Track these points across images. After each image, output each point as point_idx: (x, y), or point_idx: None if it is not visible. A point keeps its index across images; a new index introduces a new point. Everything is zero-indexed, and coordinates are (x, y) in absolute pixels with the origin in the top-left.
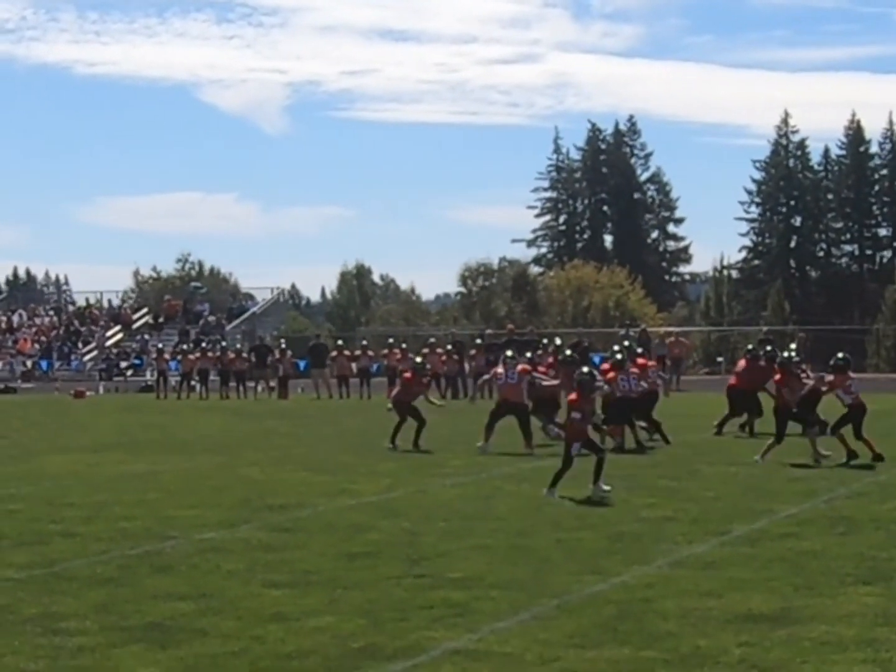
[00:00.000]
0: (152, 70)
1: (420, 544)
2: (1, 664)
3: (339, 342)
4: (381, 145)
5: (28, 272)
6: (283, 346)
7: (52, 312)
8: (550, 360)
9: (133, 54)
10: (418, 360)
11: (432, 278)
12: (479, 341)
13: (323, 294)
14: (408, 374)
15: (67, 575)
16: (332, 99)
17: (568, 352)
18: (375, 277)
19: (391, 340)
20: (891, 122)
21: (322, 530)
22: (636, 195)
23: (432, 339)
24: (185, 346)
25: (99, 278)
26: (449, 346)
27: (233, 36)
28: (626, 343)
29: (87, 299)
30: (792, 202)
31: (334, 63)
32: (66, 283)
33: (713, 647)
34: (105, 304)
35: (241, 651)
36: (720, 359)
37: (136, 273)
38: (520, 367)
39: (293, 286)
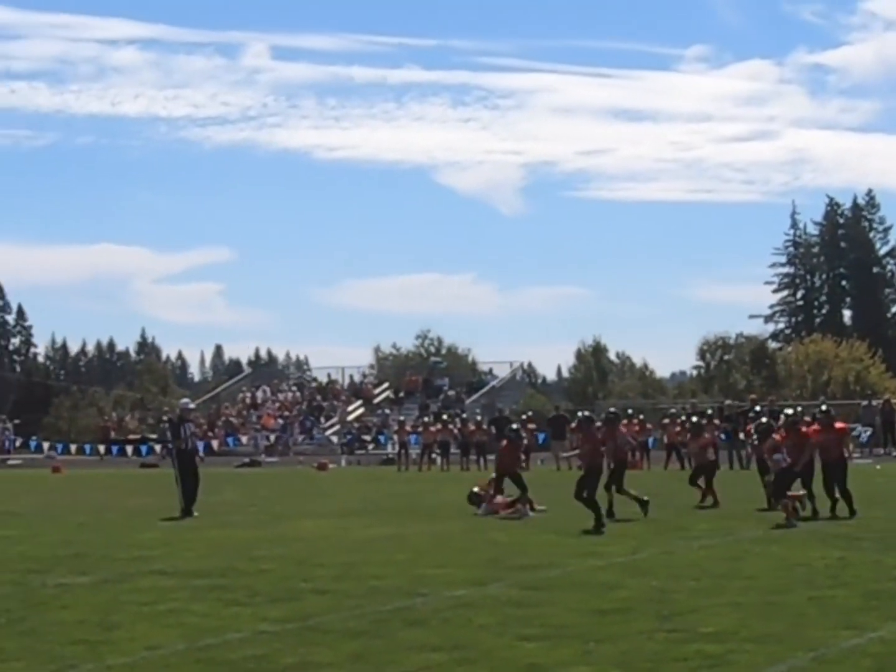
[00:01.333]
0: (391, 153)
1: (671, 601)
2: None
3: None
4: (616, 224)
5: (269, 353)
6: (525, 416)
7: (294, 388)
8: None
9: (372, 138)
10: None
11: (668, 356)
12: (709, 411)
13: (559, 372)
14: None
15: (321, 628)
16: (568, 179)
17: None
18: (611, 355)
19: (630, 412)
20: None
21: (572, 588)
22: (875, 269)
23: (672, 411)
24: (425, 419)
25: (338, 358)
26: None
27: (469, 119)
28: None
29: (328, 374)
30: None
31: (570, 143)
32: (307, 363)
33: None
34: (346, 380)
35: None
36: None
37: (377, 350)
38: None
39: (529, 364)
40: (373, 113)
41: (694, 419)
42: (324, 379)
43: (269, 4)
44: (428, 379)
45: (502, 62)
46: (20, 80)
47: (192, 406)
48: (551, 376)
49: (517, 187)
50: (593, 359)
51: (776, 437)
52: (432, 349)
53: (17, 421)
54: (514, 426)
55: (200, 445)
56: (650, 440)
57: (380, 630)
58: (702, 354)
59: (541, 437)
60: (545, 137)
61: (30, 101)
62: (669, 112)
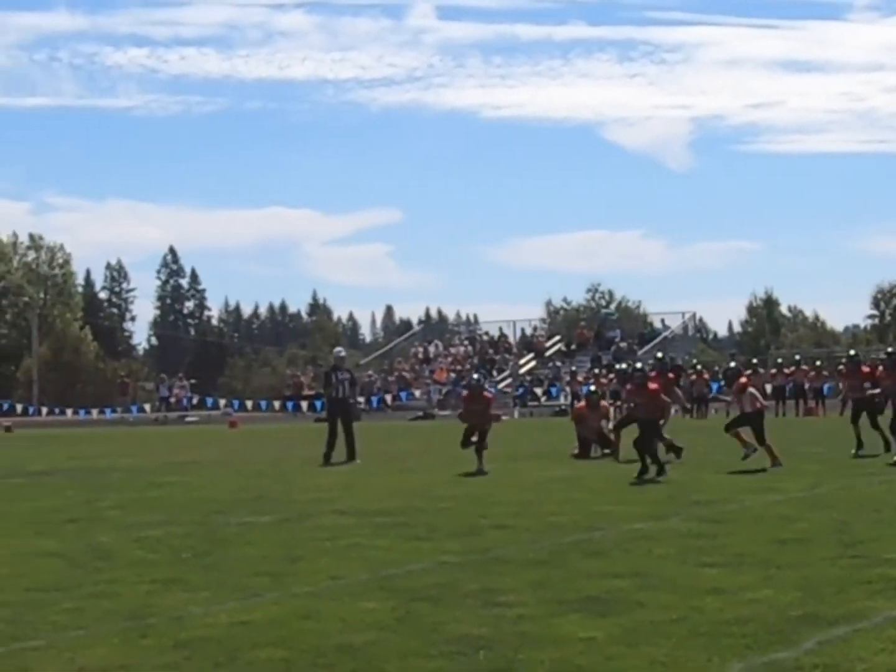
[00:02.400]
0: (557, 111)
1: (851, 531)
2: (446, 630)
3: (754, 361)
4: (787, 177)
5: (440, 312)
6: (700, 367)
7: (466, 342)
8: None
9: (538, 96)
10: None
11: (841, 310)
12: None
13: (730, 327)
14: None
15: (502, 559)
16: (736, 133)
17: None
18: (783, 309)
19: (797, 357)
20: None
21: (751, 521)
22: None
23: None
24: (597, 371)
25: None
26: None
27: (636, 74)
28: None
29: (500, 328)
30: None
31: (739, 97)
32: (476, 321)
33: None
34: (517, 334)
35: (680, 619)
36: None
37: (548, 304)
38: None
39: (700, 319)
40: (538, 70)
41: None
42: (495, 333)
43: None
44: (599, 331)
45: (668, 16)
46: (189, 46)
47: (343, 354)
48: (722, 332)
49: (685, 142)
50: (765, 312)
51: None
52: (603, 302)
53: (193, 381)
54: (475, 376)
55: (374, 399)
56: (825, 387)
57: (559, 560)
58: (876, 303)
59: (714, 386)
60: (713, 91)
61: (199, 68)
62: (839, 62)
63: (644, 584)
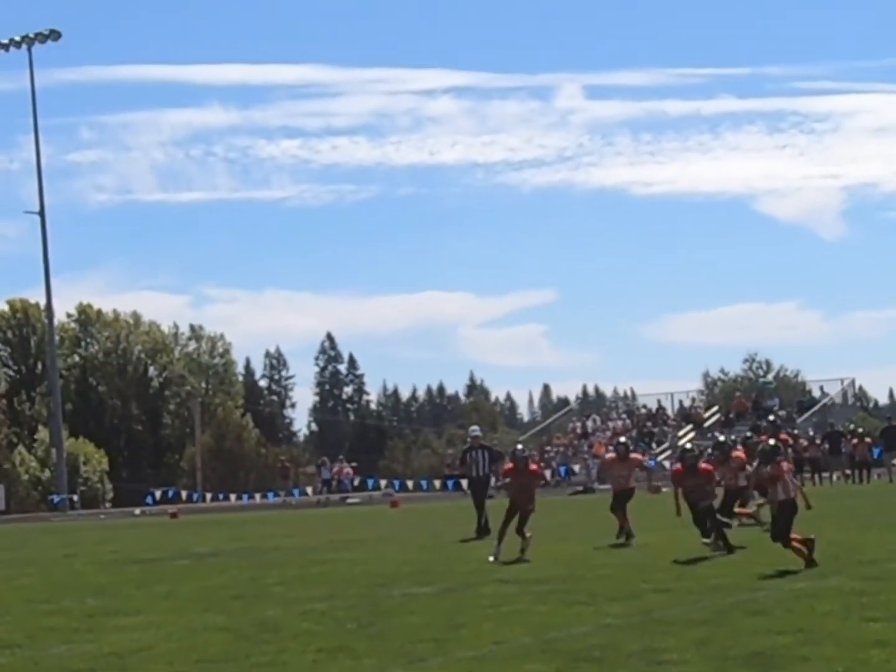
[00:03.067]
0: (708, 185)
1: None
2: None
3: None
4: None
5: (596, 389)
6: (861, 430)
7: (624, 416)
8: None
9: (688, 171)
10: None
11: None
12: None
13: (891, 395)
14: None
15: (665, 620)
16: (889, 199)
17: None
18: None
19: None
20: None
21: None
22: None
23: None
24: (749, 436)
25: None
26: None
27: (786, 145)
28: None
29: (658, 401)
30: None
31: (890, 163)
32: (633, 395)
33: None
34: (675, 406)
35: (845, 671)
36: None
37: (705, 375)
38: None
39: (860, 388)
40: (688, 146)
41: None
42: (653, 406)
43: (582, 44)
44: (758, 400)
45: (817, 86)
46: (341, 135)
47: (477, 433)
48: (883, 400)
49: (838, 211)
50: None
51: None
52: (760, 372)
53: (354, 463)
54: (520, 447)
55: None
56: None
57: (722, 620)
58: None
59: (876, 452)
60: (864, 159)
61: (351, 156)
62: None
63: (807, 639)
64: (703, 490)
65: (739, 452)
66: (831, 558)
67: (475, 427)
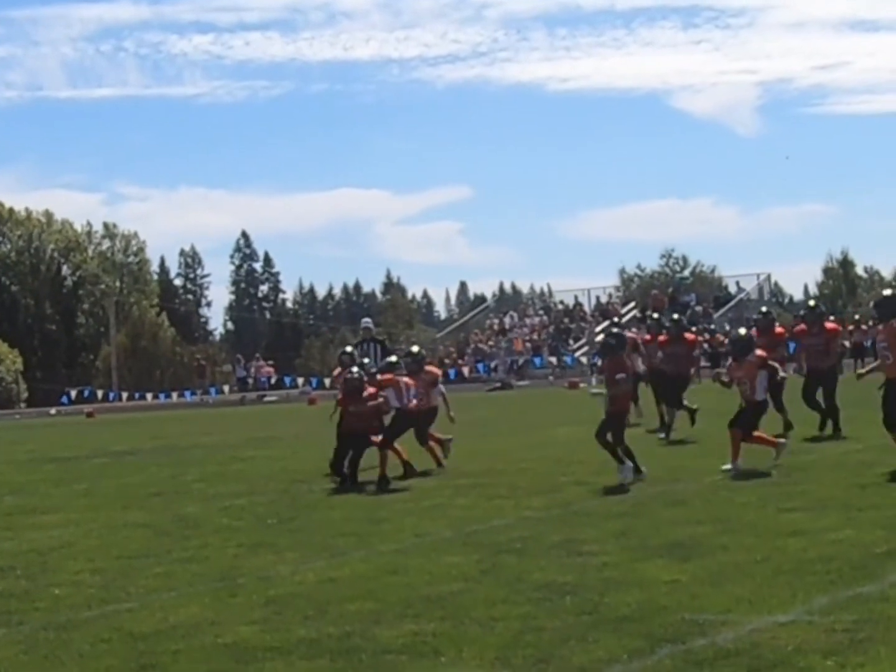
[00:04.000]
0: (623, 81)
1: None
2: (531, 579)
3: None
4: (857, 138)
5: (513, 286)
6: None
7: (541, 313)
8: None
9: (603, 67)
10: None
11: None
12: None
13: (806, 291)
14: None
15: (584, 511)
16: (804, 95)
17: None
18: (859, 270)
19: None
20: None
21: (831, 468)
22: None
23: None
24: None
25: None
26: None
27: (700, 40)
28: None
29: (575, 297)
30: None
31: (805, 58)
32: (550, 292)
33: None
34: (592, 302)
35: (763, 559)
36: None
37: (622, 272)
38: None
39: (776, 283)
40: (602, 41)
41: None
42: (570, 303)
43: None
44: (674, 295)
45: None
46: (254, 30)
47: (369, 325)
48: (798, 295)
49: (753, 107)
50: (841, 273)
51: None
52: (677, 268)
53: (271, 362)
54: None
55: (451, 372)
56: None
57: (641, 511)
58: None
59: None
60: (779, 54)
61: (264, 52)
62: None
63: (726, 528)
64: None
65: (690, 335)
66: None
67: (367, 319)
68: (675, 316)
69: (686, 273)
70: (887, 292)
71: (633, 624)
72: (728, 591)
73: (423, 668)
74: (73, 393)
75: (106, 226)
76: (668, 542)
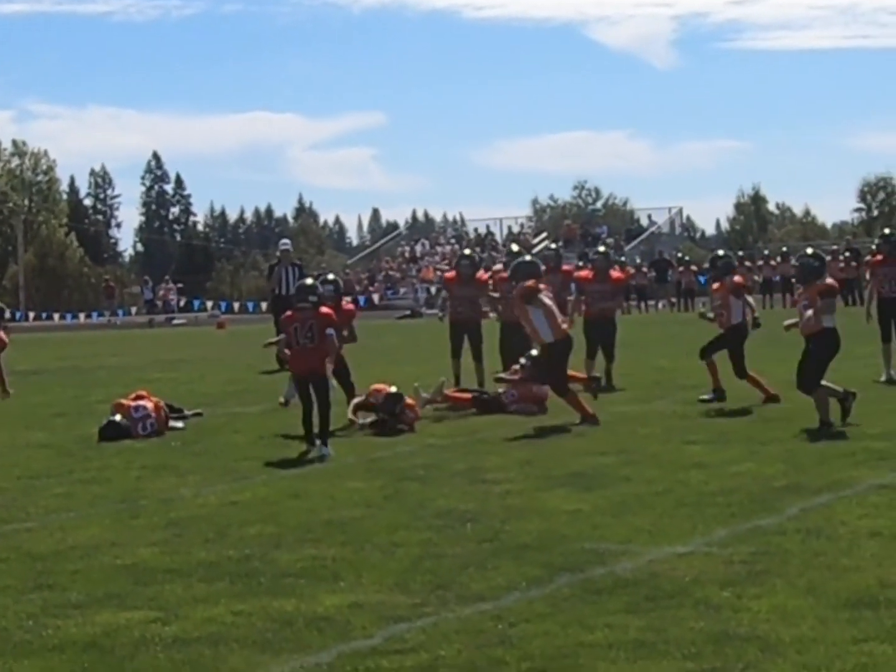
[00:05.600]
0: (539, 10)
1: (834, 411)
2: (434, 505)
3: (740, 254)
4: (771, 74)
5: (426, 214)
6: (687, 259)
7: (453, 241)
8: None
9: None
10: None
11: (829, 206)
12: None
13: (717, 225)
14: None
15: (489, 440)
16: (719, 30)
17: None
18: (771, 206)
19: (784, 249)
20: None
21: (735, 402)
22: None
23: (835, 246)
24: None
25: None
26: (846, 254)
27: None
28: None
29: (487, 226)
30: None
31: None
32: (463, 221)
33: None
34: (504, 232)
35: (664, 491)
36: None
37: (534, 202)
38: None
39: (688, 218)
40: None
41: None
42: (482, 232)
43: None
44: (586, 227)
45: None
46: None
47: (288, 246)
48: (710, 230)
49: (669, 40)
50: (753, 208)
51: None
52: (590, 200)
53: (180, 284)
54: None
55: (361, 299)
56: None
57: (546, 441)
58: (863, 196)
59: (702, 279)
60: None
61: None
62: None
63: (629, 460)
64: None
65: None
66: (653, 384)
67: (285, 241)
68: (602, 248)
69: (598, 205)
70: (720, 252)
71: (533, 552)
72: (629, 522)
73: (323, 591)
74: None
75: (15, 143)
76: (571, 472)
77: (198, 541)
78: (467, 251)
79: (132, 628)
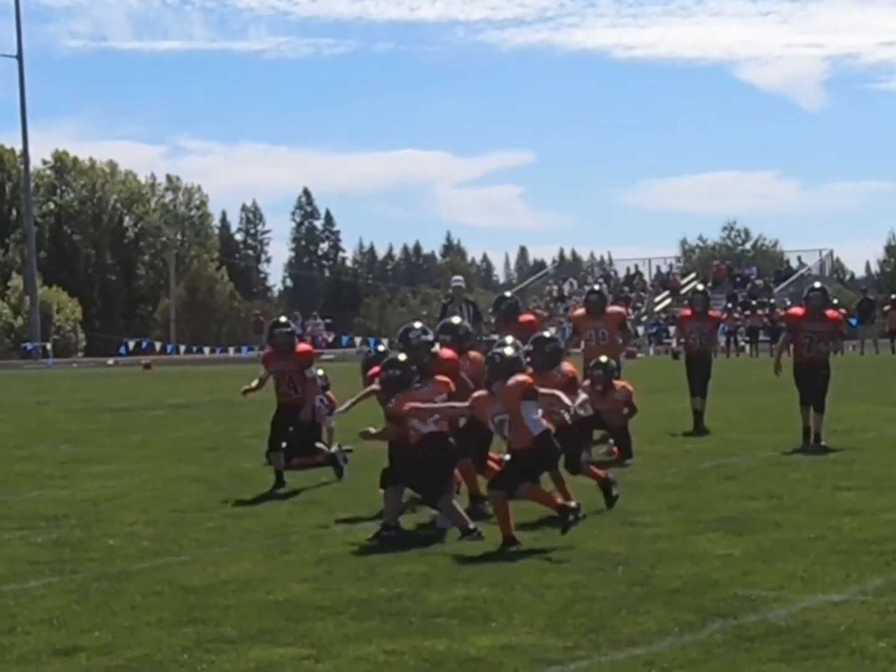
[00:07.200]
0: (689, 51)
1: None
2: (584, 548)
3: (893, 296)
4: None
5: (573, 253)
6: (836, 301)
7: (600, 280)
8: None
9: (670, 36)
10: None
11: None
12: None
13: (868, 268)
14: None
15: (638, 483)
16: (871, 71)
17: None
18: None
19: None
20: None
21: (888, 448)
22: None
23: None
24: (729, 306)
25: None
26: None
27: (769, 12)
28: None
29: (635, 266)
30: None
31: (873, 34)
32: (610, 260)
33: None
34: (652, 272)
35: (816, 537)
36: None
37: (683, 242)
38: None
39: (837, 259)
40: (670, 9)
41: None
42: (631, 270)
43: None
44: (735, 268)
45: None
46: None
47: (461, 283)
48: (860, 272)
49: (819, 81)
50: None
51: None
52: (739, 241)
53: (328, 320)
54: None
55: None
56: None
57: (695, 484)
58: None
59: (853, 321)
60: (847, 29)
61: (331, 10)
62: None
63: (780, 505)
64: None
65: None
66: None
67: (458, 277)
68: (700, 287)
69: (747, 246)
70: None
71: (685, 597)
72: (780, 568)
73: (474, 632)
74: (131, 344)
75: (169, 178)
76: (721, 517)
77: (348, 578)
78: (596, 286)
79: (285, 665)
